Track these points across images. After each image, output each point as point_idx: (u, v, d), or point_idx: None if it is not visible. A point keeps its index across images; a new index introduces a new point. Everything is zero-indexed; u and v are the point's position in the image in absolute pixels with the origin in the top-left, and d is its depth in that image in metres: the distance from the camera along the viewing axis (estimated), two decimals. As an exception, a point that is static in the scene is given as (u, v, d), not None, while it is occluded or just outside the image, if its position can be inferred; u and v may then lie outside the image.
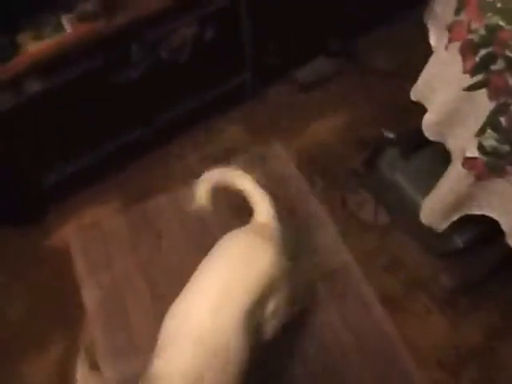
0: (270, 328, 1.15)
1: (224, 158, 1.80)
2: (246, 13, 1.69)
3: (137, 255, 1.61)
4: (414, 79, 1.33)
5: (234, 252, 1.14)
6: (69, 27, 1.48)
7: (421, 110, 1.32)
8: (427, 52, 1.27)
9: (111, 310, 1.52)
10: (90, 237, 1.68)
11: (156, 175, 1.82)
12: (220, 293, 1.02)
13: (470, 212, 1.32)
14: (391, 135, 1.61)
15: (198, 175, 1.75)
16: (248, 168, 1.75)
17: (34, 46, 1.45)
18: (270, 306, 1.11)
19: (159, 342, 0.99)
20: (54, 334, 1.53)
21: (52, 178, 1.70)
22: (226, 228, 1.53)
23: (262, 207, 1.26)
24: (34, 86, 1.47)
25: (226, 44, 1.75)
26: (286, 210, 1.67)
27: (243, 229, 1.21)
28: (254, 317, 1.03)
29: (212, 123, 1.93)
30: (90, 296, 1.55)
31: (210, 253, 1.14)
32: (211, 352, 0.95)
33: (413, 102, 1.35)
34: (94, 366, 1.42)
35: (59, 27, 1.48)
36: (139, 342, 1.37)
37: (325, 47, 2.03)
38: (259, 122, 1.94)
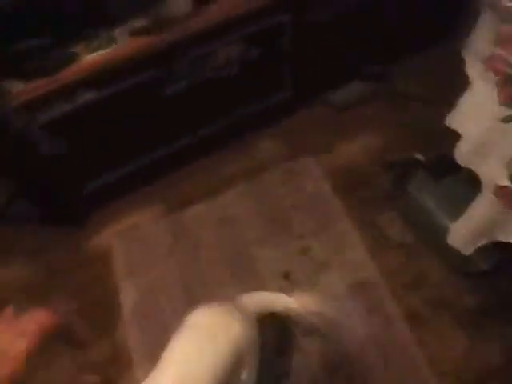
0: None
1: (260, 172, 1.87)
2: (289, 35, 1.77)
3: (174, 261, 1.68)
4: (447, 105, 1.38)
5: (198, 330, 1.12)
6: (121, 41, 1.57)
7: (453, 135, 1.37)
8: (462, 81, 1.32)
9: (147, 313, 1.59)
10: (130, 240, 1.76)
11: (197, 184, 1.89)
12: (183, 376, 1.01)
13: (497, 239, 1.36)
14: (422, 158, 1.67)
15: (235, 185, 1.83)
16: (282, 183, 1.82)
17: (88, 57, 1.54)
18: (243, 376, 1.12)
19: None
20: (92, 334, 1.59)
21: (97, 182, 1.78)
22: (263, 242, 1.60)
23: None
24: (85, 95, 1.56)
25: (269, 63, 1.83)
26: (317, 225, 1.73)
27: (211, 307, 1.18)
28: None
29: (251, 137, 2.01)
30: (127, 297, 1.62)
31: (178, 330, 1.13)
32: None
33: (445, 128, 1.40)
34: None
35: (112, 40, 1.57)
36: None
37: (361, 71, 2.11)
38: (295, 139, 2.01)
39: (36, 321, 0.60)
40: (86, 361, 1.51)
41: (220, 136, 1.91)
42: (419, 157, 1.67)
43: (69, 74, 1.52)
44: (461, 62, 1.35)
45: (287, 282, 1.61)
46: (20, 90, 1.46)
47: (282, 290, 1.56)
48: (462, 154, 1.37)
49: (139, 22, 1.60)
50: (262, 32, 1.72)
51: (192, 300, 1.57)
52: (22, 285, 1.71)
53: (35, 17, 1.40)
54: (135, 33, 1.59)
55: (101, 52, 1.56)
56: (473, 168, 1.37)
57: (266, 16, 1.70)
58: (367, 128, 2.02)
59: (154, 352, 1.49)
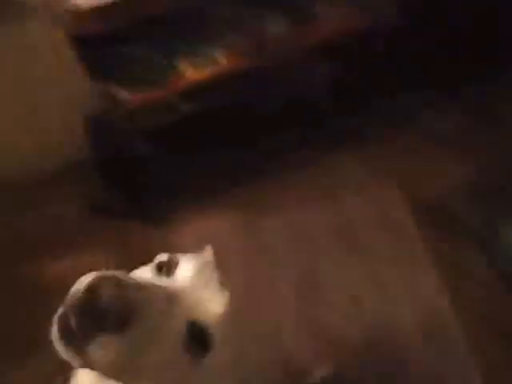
0: None
1: (341, 193, 1.86)
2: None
3: (245, 273, 1.71)
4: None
5: None
6: (222, 59, 1.68)
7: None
8: None
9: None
10: (204, 243, 1.83)
11: (277, 197, 1.91)
12: None
13: None
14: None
15: (313, 203, 1.83)
16: (362, 206, 1.80)
17: (189, 72, 1.67)
18: None
19: None
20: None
21: (184, 185, 1.89)
22: (334, 263, 1.58)
23: None
24: (186, 107, 1.69)
25: (355, 86, 1.83)
26: (393, 254, 1.68)
27: None
28: None
29: (337, 156, 1.99)
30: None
31: None
32: None
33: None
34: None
35: (214, 58, 1.69)
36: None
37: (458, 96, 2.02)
38: (381, 163, 1.96)
39: None
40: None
41: (303, 151, 1.93)
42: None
43: (172, 86, 1.66)
44: None
45: (354, 307, 1.57)
46: (125, 97, 1.62)
47: (348, 315, 1.55)
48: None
49: (240, 43, 1.70)
50: (357, 53, 1.73)
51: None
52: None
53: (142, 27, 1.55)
54: (235, 52, 1.69)
55: (202, 68, 1.68)
56: None
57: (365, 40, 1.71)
58: (458, 160, 1.92)
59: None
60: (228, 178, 1.93)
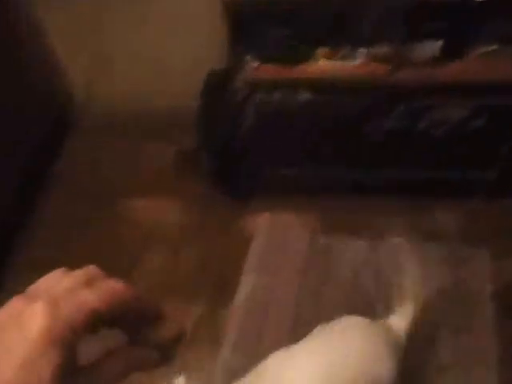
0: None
1: (428, 238, 1.73)
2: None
3: (300, 279, 1.66)
4: None
5: (354, 342, 1.07)
6: (359, 60, 1.61)
7: None
8: None
9: (253, 311, 1.62)
10: (273, 238, 1.81)
11: (358, 220, 1.83)
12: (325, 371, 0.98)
13: None
14: None
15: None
16: (445, 261, 1.66)
17: (323, 62, 1.63)
18: None
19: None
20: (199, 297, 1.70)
21: (277, 172, 1.87)
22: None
23: (404, 312, 1.18)
24: (304, 96, 1.65)
25: (487, 138, 1.69)
26: (459, 324, 1.54)
27: (374, 323, 1.12)
28: None
29: (429, 203, 1.86)
30: (243, 287, 1.68)
31: (330, 325, 1.10)
32: None
33: None
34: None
35: (352, 56, 1.62)
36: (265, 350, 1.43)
37: None
38: (479, 226, 1.80)
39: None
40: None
41: (403, 187, 1.83)
42: None
43: (300, 70, 1.63)
44: None
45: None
46: (254, 67, 1.62)
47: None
48: None
49: (381, 49, 1.62)
50: (499, 106, 1.59)
51: (299, 319, 1.55)
52: (177, 228, 1.89)
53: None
54: (375, 58, 1.62)
55: (337, 62, 1.63)
56: None
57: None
58: None
59: (242, 346, 1.53)
60: (319, 183, 1.88)
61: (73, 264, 0.45)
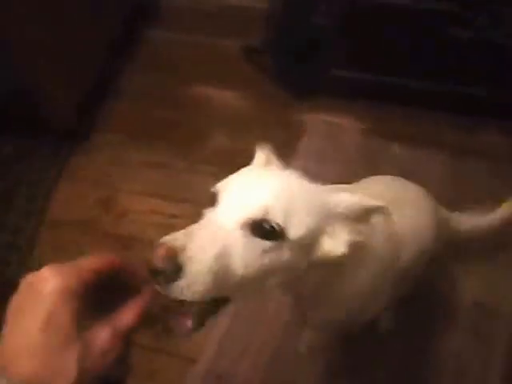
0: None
1: (467, 157, 1.80)
2: None
3: (348, 173, 1.79)
4: None
5: (412, 196, 1.09)
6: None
7: None
8: None
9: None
10: (327, 136, 1.93)
11: (418, 129, 1.91)
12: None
13: None
14: None
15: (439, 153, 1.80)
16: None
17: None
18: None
19: None
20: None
21: (343, 72, 1.93)
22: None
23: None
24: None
25: None
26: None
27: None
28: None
29: (484, 123, 1.89)
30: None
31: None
32: None
33: None
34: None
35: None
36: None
37: None
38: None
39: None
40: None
41: (462, 104, 1.87)
42: None
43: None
44: None
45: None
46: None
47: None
48: None
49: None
50: None
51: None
52: (237, 115, 2.05)
53: None
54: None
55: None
56: None
57: None
58: None
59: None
60: (380, 90, 1.94)
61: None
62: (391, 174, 1.28)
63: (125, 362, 0.46)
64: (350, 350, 1.48)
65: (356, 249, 0.63)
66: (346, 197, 0.65)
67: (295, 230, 0.57)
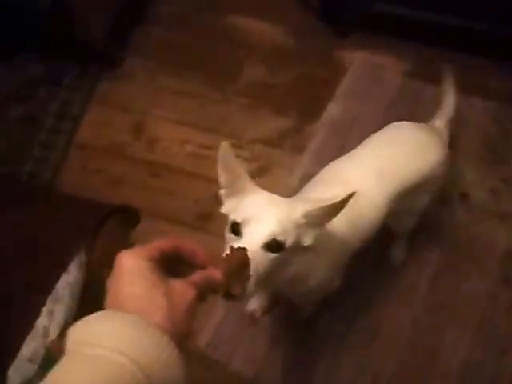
0: (401, 221, 1.28)
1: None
2: None
3: (386, 113, 1.75)
4: None
5: (401, 138, 1.20)
6: None
7: None
8: None
9: (336, 131, 1.74)
10: (368, 74, 1.87)
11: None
12: (379, 168, 1.10)
13: None
14: None
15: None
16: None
17: None
18: (414, 201, 1.19)
19: (309, 185, 1.14)
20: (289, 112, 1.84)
21: (390, 9, 1.83)
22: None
23: (445, 110, 1.35)
24: None
25: None
26: None
27: (416, 124, 1.24)
28: (395, 202, 1.11)
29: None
30: (332, 109, 1.79)
31: (378, 132, 1.22)
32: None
33: None
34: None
35: None
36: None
37: None
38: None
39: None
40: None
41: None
42: None
43: None
44: None
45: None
46: None
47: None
48: None
49: None
50: None
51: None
52: (277, 49, 1.99)
53: None
54: None
55: None
56: None
57: None
58: None
59: (321, 157, 1.67)
60: (421, 29, 1.85)
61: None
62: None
63: (195, 316, 0.54)
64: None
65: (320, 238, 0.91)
66: (308, 207, 0.87)
67: (289, 241, 0.85)
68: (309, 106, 1.82)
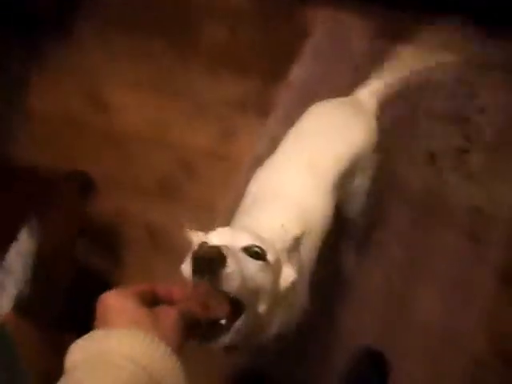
0: (353, 205, 1.19)
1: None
2: None
3: (353, 75, 1.67)
4: None
5: (325, 120, 1.14)
6: None
7: None
8: None
9: (302, 94, 1.67)
10: (334, 34, 1.80)
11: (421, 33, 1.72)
12: (308, 161, 1.03)
13: None
14: None
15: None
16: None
17: None
18: (356, 182, 1.12)
19: (243, 206, 1.04)
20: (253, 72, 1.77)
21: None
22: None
23: (371, 87, 1.24)
24: None
25: None
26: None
27: (335, 101, 1.19)
28: (338, 190, 1.05)
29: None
30: (297, 71, 1.73)
31: (300, 119, 1.15)
32: (299, 210, 0.97)
33: None
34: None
35: None
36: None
37: None
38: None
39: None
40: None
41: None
42: None
43: None
44: None
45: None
46: None
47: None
48: None
49: None
50: None
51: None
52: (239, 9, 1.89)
53: None
54: None
55: None
56: None
57: None
58: None
59: (287, 120, 1.61)
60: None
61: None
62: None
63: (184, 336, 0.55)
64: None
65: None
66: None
67: (270, 255, 0.76)
68: (273, 67, 1.74)
